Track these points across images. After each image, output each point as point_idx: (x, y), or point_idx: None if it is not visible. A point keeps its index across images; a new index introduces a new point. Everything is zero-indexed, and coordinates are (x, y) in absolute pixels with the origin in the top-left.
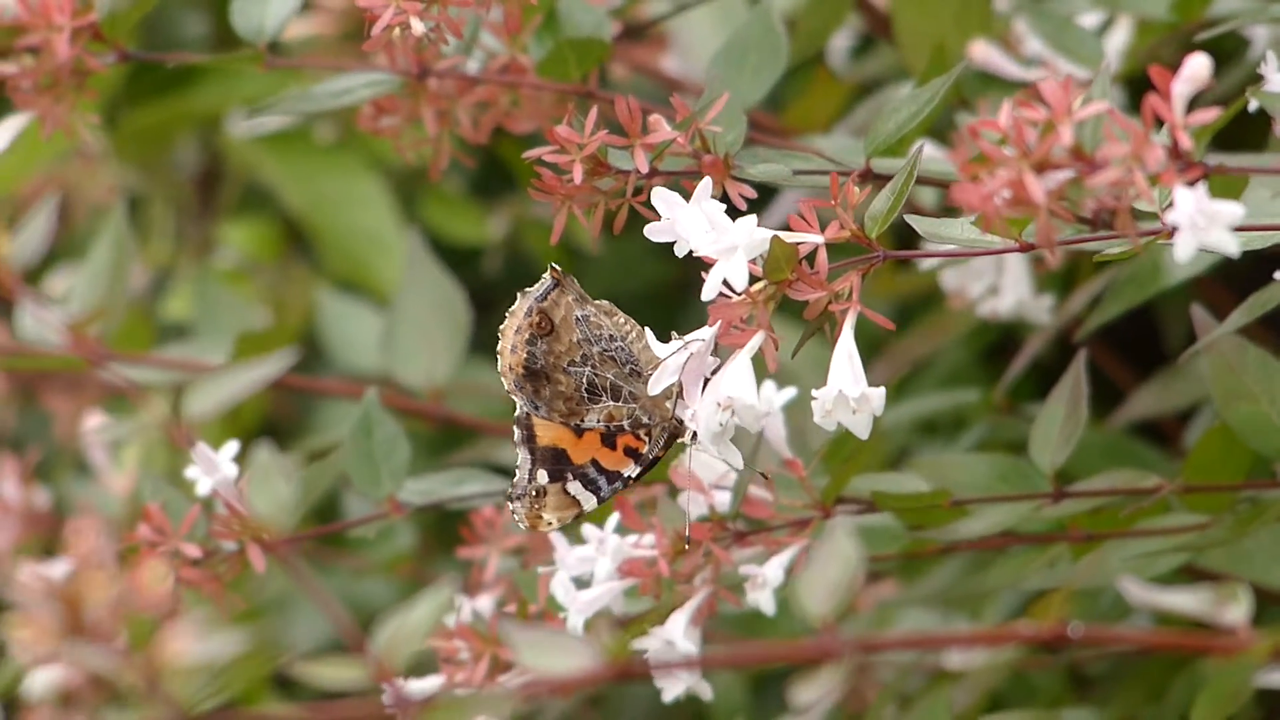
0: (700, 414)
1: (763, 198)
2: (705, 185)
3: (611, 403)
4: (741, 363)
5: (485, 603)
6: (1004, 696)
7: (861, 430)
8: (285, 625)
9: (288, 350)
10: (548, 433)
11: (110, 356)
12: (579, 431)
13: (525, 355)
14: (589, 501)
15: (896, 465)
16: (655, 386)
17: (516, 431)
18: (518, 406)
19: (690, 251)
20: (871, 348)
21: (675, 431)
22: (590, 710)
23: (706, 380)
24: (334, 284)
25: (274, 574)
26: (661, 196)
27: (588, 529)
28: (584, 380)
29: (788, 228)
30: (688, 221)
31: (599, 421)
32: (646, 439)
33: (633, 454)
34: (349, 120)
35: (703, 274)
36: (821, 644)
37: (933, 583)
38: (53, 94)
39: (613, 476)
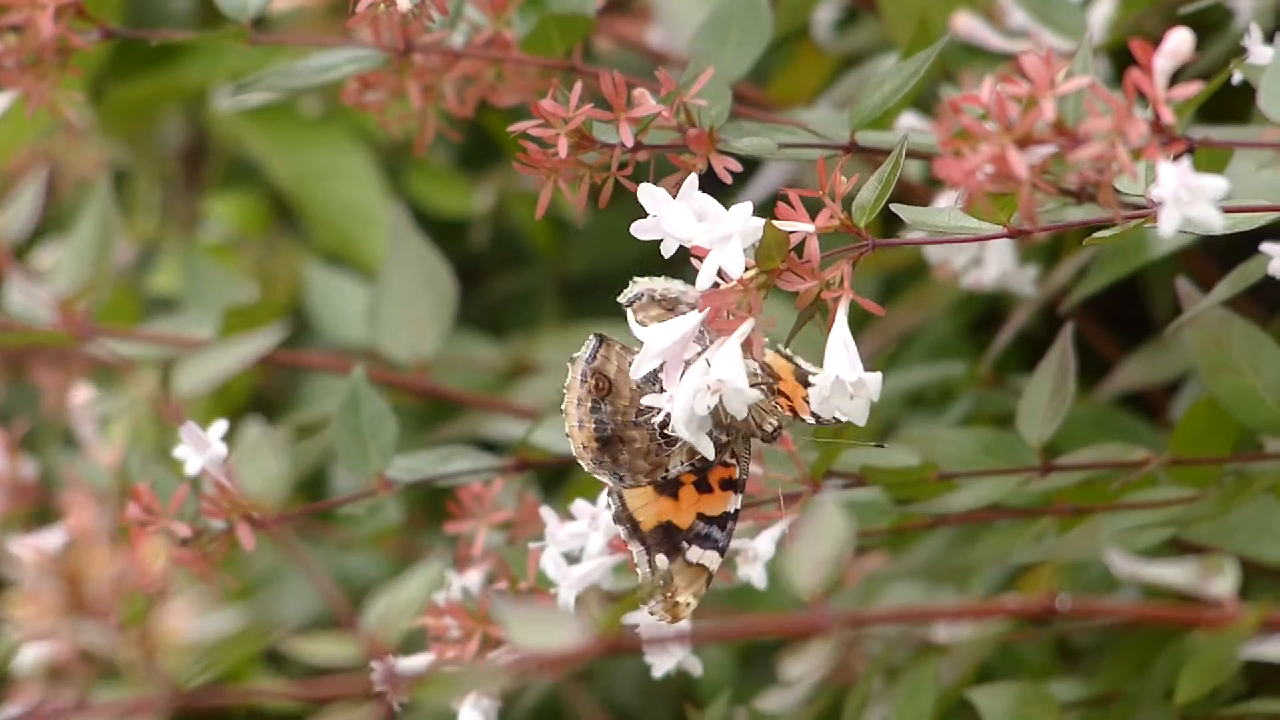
0: (678, 398)
1: (746, 171)
2: (691, 181)
3: None
4: (732, 347)
5: (474, 578)
6: (991, 669)
7: (860, 417)
8: (275, 601)
9: (276, 325)
10: (649, 514)
11: (97, 331)
12: (675, 492)
13: (594, 425)
14: (712, 560)
15: (884, 439)
16: (638, 370)
17: (622, 530)
18: (608, 503)
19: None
20: (857, 322)
21: (761, 435)
22: (579, 686)
23: (687, 364)
24: (321, 257)
25: (263, 550)
26: (648, 193)
27: (579, 504)
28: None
29: (773, 202)
30: (675, 217)
31: (684, 464)
32: (735, 460)
33: (729, 484)
34: (335, 94)
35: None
36: (811, 618)
37: (920, 556)
38: (36, 72)
39: (722, 521)
